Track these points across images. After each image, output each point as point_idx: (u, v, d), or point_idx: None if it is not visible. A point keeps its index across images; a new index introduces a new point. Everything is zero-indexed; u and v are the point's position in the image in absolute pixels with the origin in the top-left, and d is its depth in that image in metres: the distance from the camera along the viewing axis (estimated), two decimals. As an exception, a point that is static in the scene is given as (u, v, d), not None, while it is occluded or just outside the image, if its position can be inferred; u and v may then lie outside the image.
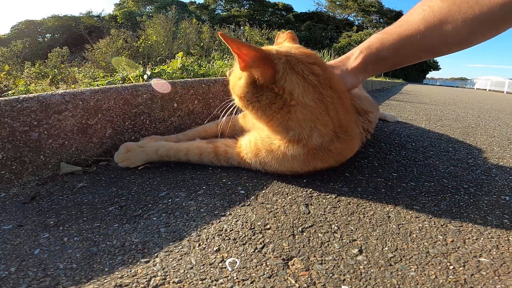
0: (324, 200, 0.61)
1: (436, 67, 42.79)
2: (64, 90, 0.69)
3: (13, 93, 2.02)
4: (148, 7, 31.53)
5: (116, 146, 0.78)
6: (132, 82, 2.31)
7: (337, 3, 38.06)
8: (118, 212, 0.54)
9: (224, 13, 36.19)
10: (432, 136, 1.21)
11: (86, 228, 0.49)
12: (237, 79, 0.59)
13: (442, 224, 0.53)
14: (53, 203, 0.57)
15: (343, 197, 0.62)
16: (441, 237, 0.49)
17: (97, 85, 2.28)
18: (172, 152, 0.72)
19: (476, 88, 20.49)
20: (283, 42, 0.70)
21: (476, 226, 0.53)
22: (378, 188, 0.67)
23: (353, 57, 0.71)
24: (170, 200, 0.58)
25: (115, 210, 0.55)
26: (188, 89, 0.98)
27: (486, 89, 18.49)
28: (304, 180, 0.69)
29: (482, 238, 0.49)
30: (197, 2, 37.41)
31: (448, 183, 0.71)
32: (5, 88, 2.23)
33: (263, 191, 0.63)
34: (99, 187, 0.65)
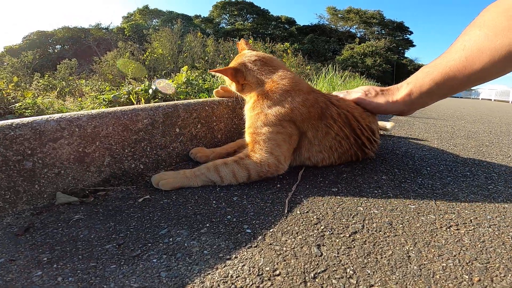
0: (337, 240, 0.55)
1: (439, 78, 42.77)
2: (60, 115, 0.66)
3: (20, 105, 2.03)
4: (154, 20, 32.47)
5: (115, 175, 0.75)
6: (138, 94, 2.32)
7: (339, 15, 38.79)
8: (116, 251, 0.49)
9: (228, 26, 37.05)
10: (447, 158, 1.15)
11: (81, 267, 0.45)
12: (230, 83, 0.95)
13: (467, 261, 0.48)
14: (47, 237, 0.54)
15: (357, 235, 0.57)
16: (466, 277, 0.44)
17: (103, 99, 2.30)
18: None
19: (481, 99, 20.39)
20: (244, 49, 0.99)
21: (504, 262, 0.48)
22: (395, 223, 0.62)
23: (401, 89, 0.87)
24: (171, 239, 0.54)
25: (112, 248, 0.50)
26: (191, 113, 0.95)
27: (491, 99, 18.39)
28: (315, 217, 0.63)
29: (510, 275, 0.45)
30: (202, 16, 38.43)
31: (470, 215, 0.66)
32: (13, 100, 2.24)
33: (271, 230, 0.58)
34: (96, 221, 0.61)
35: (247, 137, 0.82)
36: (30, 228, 0.57)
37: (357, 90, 1.00)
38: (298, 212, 0.65)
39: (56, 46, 25.93)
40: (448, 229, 0.59)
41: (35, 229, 0.57)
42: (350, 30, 39.14)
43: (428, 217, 0.64)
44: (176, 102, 0.94)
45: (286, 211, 0.64)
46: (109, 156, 0.72)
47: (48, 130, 0.63)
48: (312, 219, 0.62)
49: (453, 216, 0.65)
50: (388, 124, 1.55)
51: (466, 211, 0.68)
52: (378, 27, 37.60)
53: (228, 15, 38.81)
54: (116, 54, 8.08)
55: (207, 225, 0.59)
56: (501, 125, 2.50)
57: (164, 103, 0.88)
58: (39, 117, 0.64)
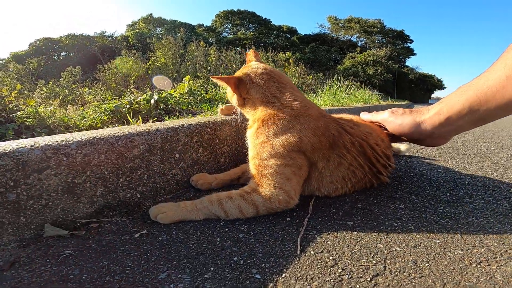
0: (357, 285, 0.48)
1: (441, 87, 42.94)
2: (46, 143, 0.60)
3: (22, 114, 1.99)
4: (158, 28, 32.97)
5: (109, 205, 0.68)
6: (139, 105, 2.27)
7: (340, 24, 39.26)
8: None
9: (231, 35, 37.54)
10: (465, 181, 1.08)
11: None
12: (231, 95, 0.86)
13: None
14: (35, 274, 0.49)
15: (379, 279, 0.50)
16: None
17: (105, 109, 2.25)
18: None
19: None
20: (252, 60, 0.93)
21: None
22: (420, 261, 0.55)
23: (432, 109, 0.77)
24: (172, 286, 0.47)
25: (105, 297, 0.44)
26: (192, 136, 0.89)
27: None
28: (331, 257, 0.56)
29: None
30: (204, 25, 39.03)
31: (500, 247, 0.60)
32: (15, 108, 2.20)
33: (283, 275, 0.51)
34: (88, 258, 0.55)
35: (252, 169, 0.75)
36: (16, 262, 0.53)
37: (384, 111, 0.94)
38: (312, 252, 0.58)
39: (61, 53, 26.21)
40: (478, 266, 0.54)
41: (21, 264, 0.52)
42: (351, 39, 39.54)
43: (456, 253, 0.58)
44: (176, 124, 0.87)
45: (298, 251, 0.57)
46: (102, 186, 0.66)
47: (32, 160, 0.57)
48: (328, 260, 0.55)
49: (482, 250, 0.59)
50: (402, 146, 1.46)
51: (495, 244, 0.62)
52: (378, 35, 37.95)
53: (230, 24, 39.37)
54: (120, 62, 8.13)
55: (212, 268, 0.52)
56: (510, 138, 2.43)
57: (163, 126, 0.81)
58: (23, 144, 0.58)
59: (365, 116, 0.98)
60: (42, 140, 0.61)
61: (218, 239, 0.61)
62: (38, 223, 0.61)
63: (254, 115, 0.81)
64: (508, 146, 1.94)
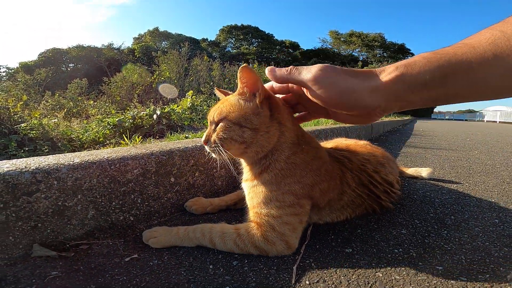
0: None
1: (443, 101, 42.95)
2: (37, 166, 0.59)
3: (26, 126, 2.00)
4: (164, 42, 33.86)
5: (100, 228, 0.66)
6: (142, 119, 2.28)
7: (341, 39, 40.01)
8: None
9: (234, 50, 38.40)
10: (470, 203, 1.04)
11: None
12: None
13: None
14: None
15: None
16: None
17: (108, 123, 2.27)
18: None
19: (486, 121, 20.24)
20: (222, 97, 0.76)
21: None
22: None
23: (385, 73, 0.51)
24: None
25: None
26: (188, 160, 0.86)
27: (496, 121, 18.25)
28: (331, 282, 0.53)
29: None
30: (208, 39, 40.04)
31: (506, 272, 0.58)
32: (19, 120, 2.22)
33: (277, 309, 0.48)
34: (75, 281, 0.53)
35: (254, 216, 0.65)
36: (2, 281, 0.52)
37: (310, 68, 0.57)
38: (307, 282, 0.55)
39: (69, 64, 26.82)
40: None
41: (7, 282, 0.51)
42: (353, 53, 40.17)
43: (459, 280, 0.56)
44: (172, 147, 0.85)
45: (293, 281, 0.54)
46: (93, 209, 0.65)
47: (22, 183, 0.56)
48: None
49: (488, 276, 0.57)
50: (423, 172, 1.39)
51: (502, 269, 0.59)
52: (380, 50, 38.52)
53: (234, 39, 40.34)
54: (127, 71, 8.30)
55: (201, 300, 0.49)
56: (516, 156, 2.40)
57: (158, 149, 0.80)
58: (14, 166, 0.58)
59: (278, 73, 0.60)
60: (34, 163, 0.61)
61: (211, 266, 0.58)
62: (26, 243, 0.60)
63: (254, 165, 0.69)
64: (513, 164, 1.90)
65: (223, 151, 0.62)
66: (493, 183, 1.36)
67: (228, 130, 0.61)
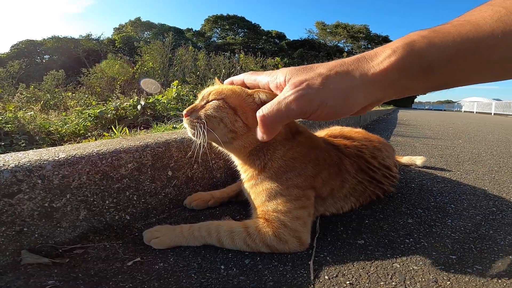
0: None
1: (423, 92, 44.55)
2: (16, 163, 0.52)
3: (0, 119, 1.85)
4: (146, 32, 32.48)
5: (94, 229, 0.60)
6: (125, 110, 2.17)
7: (327, 30, 40.13)
8: None
9: (220, 40, 37.56)
10: (466, 191, 1.07)
11: None
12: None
13: None
14: None
15: None
16: None
17: (88, 115, 2.14)
18: None
19: (464, 111, 21.22)
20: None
21: None
22: (441, 280, 0.53)
23: (380, 58, 0.43)
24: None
25: None
26: (185, 151, 0.81)
27: (473, 111, 19.16)
28: (348, 282, 0.51)
29: None
30: (193, 29, 38.85)
31: None
32: None
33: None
34: None
35: (262, 213, 0.62)
36: None
37: (276, 72, 0.50)
38: (327, 277, 0.52)
39: (44, 56, 25.23)
40: (498, 281, 0.52)
41: None
42: (338, 44, 40.46)
43: (475, 269, 0.56)
44: (168, 138, 0.79)
45: (312, 277, 0.52)
46: (85, 209, 0.58)
47: (1, 183, 0.49)
48: (345, 285, 0.50)
49: (499, 263, 0.58)
50: (418, 160, 1.42)
51: (511, 257, 0.61)
52: (364, 41, 39.03)
53: (219, 29, 39.38)
54: (105, 66, 7.88)
55: (218, 304, 0.46)
56: (498, 143, 2.51)
57: (153, 140, 0.73)
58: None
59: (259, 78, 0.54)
60: (12, 159, 0.53)
61: (223, 267, 0.54)
62: (13, 250, 0.54)
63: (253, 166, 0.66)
64: (498, 153, 1.98)
65: (204, 130, 0.56)
66: (483, 171, 1.40)
67: (221, 109, 0.57)
